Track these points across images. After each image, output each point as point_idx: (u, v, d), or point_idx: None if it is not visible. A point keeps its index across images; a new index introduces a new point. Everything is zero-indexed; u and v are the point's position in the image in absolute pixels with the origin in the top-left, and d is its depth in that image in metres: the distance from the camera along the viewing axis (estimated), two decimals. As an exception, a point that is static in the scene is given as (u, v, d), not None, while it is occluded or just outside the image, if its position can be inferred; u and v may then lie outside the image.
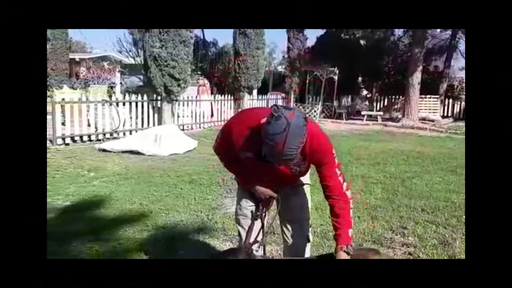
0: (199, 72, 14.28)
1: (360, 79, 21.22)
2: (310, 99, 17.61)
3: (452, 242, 3.31)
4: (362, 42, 18.07)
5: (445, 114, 18.32)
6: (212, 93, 13.31)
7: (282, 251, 2.44)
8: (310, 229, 2.14)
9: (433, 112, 17.24)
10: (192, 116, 11.17)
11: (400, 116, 15.99)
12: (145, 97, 9.43)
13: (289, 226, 2.08)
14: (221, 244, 3.24)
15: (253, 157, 1.77)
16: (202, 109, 11.58)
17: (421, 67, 15.31)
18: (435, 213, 4.13)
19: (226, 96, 12.65)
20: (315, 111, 15.89)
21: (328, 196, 1.85)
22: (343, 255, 1.70)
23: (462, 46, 19.47)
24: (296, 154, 1.56)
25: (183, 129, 9.94)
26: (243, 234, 2.02)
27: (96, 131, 8.39)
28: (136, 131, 8.83)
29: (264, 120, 1.60)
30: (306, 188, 2.11)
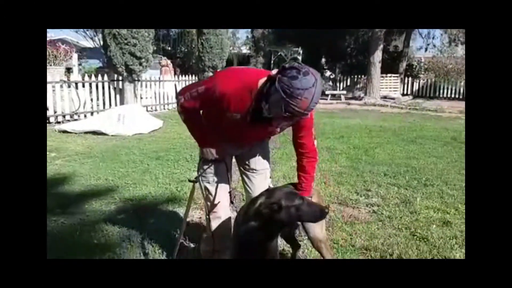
0: (161, 53, 13.92)
1: (323, 60, 21.50)
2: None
3: (413, 201, 3.49)
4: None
5: (405, 92, 19.00)
6: (175, 74, 13.04)
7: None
8: (270, 179, 2.20)
9: (394, 90, 17.82)
10: (155, 97, 10.92)
11: (362, 95, 16.40)
12: (105, 78, 9.10)
13: (252, 177, 2.10)
14: (191, 212, 3.24)
15: (243, 117, 1.74)
16: (166, 90, 11.34)
17: (381, 46, 15.71)
18: (396, 176, 4.32)
19: (190, 76, 12.45)
20: (280, 92, 15.96)
21: (301, 153, 1.93)
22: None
23: (419, 26, 20.08)
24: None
25: (146, 111, 9.71)
26: (212, 190, 2.04)
27: (55, 113, 8.03)
28: (97, 113, 8.54)
29: (262, 80, 1.60)
30: (267, 140, 2.15)
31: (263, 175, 2.09)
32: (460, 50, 20.92)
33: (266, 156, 2.11)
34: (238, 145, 2.02)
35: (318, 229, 1.94)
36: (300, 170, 1.96)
